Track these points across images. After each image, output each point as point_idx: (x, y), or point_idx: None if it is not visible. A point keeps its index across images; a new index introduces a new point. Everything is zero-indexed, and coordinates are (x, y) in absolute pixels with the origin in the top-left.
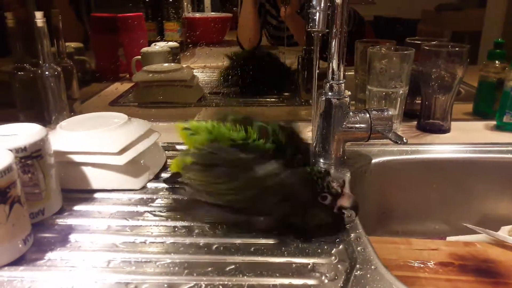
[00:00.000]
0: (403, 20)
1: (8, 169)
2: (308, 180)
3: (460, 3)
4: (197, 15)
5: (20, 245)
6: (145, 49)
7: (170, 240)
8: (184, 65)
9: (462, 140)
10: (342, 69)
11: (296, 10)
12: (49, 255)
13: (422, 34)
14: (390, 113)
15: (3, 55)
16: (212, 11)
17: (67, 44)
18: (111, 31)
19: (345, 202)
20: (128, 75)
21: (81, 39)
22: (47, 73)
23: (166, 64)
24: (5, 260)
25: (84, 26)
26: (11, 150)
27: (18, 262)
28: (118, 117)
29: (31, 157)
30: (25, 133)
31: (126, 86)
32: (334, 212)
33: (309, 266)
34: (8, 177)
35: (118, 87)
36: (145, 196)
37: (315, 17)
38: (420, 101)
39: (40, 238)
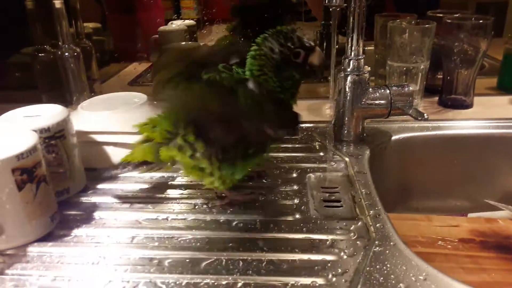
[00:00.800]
0: None
1: (33, 149)
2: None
3: None
4: None
5: (48, 222)
6: (162, 28)
7: (191, 216)
8: (201, 43)
9: (485, 116)
10: (361, 45)
11: None
12: (75, 231)
13: (445, 5)
14: (410, 88)
15: (24, 37)
16: None
17: (85, 24)
18: (128, 10)
19: (315, 59)
20: (145, 55)
21: (98, 20)
22: (66, 54)
23: (184, 43)
24: (34, 236)
25: (102, 6)
26: (35, 131)
27: (46, 238)
28: (138, 96)
29: (55, 137)
30: (48, 114)
31: (144, 65)
32: (305, 70)
33: (327, 242)
34: (33, 157)
35: (136, 67)
36: (166, 174)
37: None
38: (441, 76)
39: (66, 216)
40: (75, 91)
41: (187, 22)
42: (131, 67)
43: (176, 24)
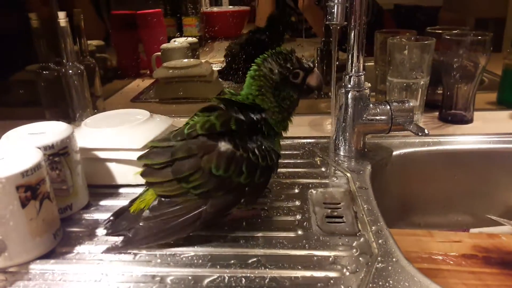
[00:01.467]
0: (424, 8)
1: (38, 166)
2: None
3: None
4: (215, 9)
5: (51, 239)
6: (164, 45)
7: (193, 233)
8: (203, 60)
9: (486, 131)
10: (361, 61)
11: (315, 2)
12: (78, 248)
13: (444, 21)
14: (411, 104)
15: (28, 55)
16: (230, 5)
17: (88, 42)
18: (131, 28)
19: (313, 80)
20: (148, 71)
21: (101, 37)
22: (70, 71)
23: (186, 60)
24: (37, 254)
25: (105, 23)
26: (39, 148)
27: (48, 255)
28: (141, 113)
29: (58, 154)
30: (52, 131)
31: (147, 82)
32: (303, 90)
33: (330, 259)
34: (37, 174)
35: (139, 84)
36: None
37: (333, 10)
38: (441, 91)
39: (68, 233)
40: (78, 107)
41: (190, 39)
42: (134, 84)
43: (179, 42)
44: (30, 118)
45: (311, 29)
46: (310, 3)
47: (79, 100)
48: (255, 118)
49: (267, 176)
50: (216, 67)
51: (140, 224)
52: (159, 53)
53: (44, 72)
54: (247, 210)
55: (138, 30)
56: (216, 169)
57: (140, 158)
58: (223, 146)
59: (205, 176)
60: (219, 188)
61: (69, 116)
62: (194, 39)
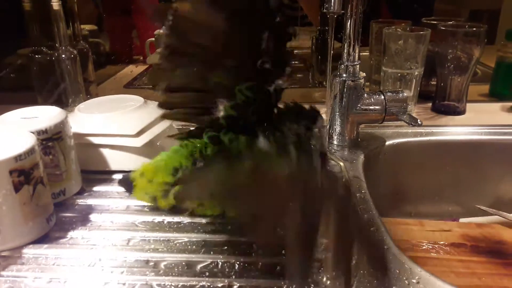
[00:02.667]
0: None
1: (31, 150)
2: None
3: None
4: None
5: (44, 224)
6: (159, 31)
7: (187, 220)
8: None
9: (477, 122)
10: (357, 51)
11: None
12: (71, 233)
13: (439, 12)
14: (405, 95)
15: (20, 38)
16: None
17: (81, 26)
18: (125, 13)
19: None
20: (142, 57)
21: (94, 21)
22: (63, 56)
23: None
24: (30, 238)
25: (98, 8)
26: (32, 132)
27: (42, 240)
28: (135, 99)
29: (52, 139)
30: (45, 115)
31: (141, 68)
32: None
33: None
34: (31, 158)
35: (133, 70)
36: None
37: None
38: (435, 82)
39: (61, 218)
40: (71, 93)
41: None
42: (127, 70)
43: None
44: (22, 102)
45: (306, 17)
46: None
47: (71, 85)
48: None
49: None
50: None
51: None
52: (153, 39)
53: (36, 56)
54: None
55: (132, 15)
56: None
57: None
58: None
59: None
60: None
61: (62, 101)
62: None
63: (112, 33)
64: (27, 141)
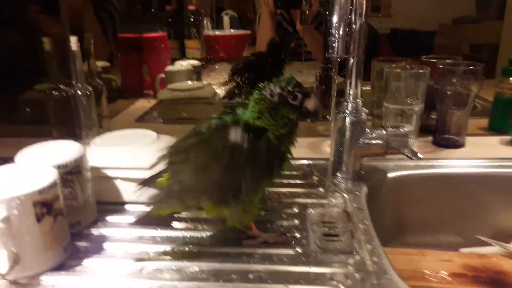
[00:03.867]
0: (420, 32)
1: (54, 184)
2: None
3: (478, 16)
4: (217, 33)
5: (62, 253)
6: (169, 68)
7: (196, 248)
8: (205, 82)
9: (477, 155)
10: (359, 88)
11: (314, 27)
12: (86, 262)
13: (439, 47)
14: (405, 130)
15: (37, 74)
16: (231, 29)
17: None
18: (136, 50)
19: (310, 104)
20: (152, 92)
21: (106, 58)
22: (79, 92)
23: (190, 82)
24: (48, 266)
25: (110, 45)
26: (54, 166)
27: (59, 268)
28: (148, 134)
29: (71, 173)
30: (65, 150)
31: (150, 102)
32: (301, 111)
33: (327, 275)
34: (53, 191)
35: (145, 105)
36: None
37: (334, 45)
38: (435, 117)
39: (77, 247)
40: (85, 127)
41: (193, 62)
42: (139, 104)
43: (183, 64)
44: (37, 135)
45: (310, 53)
46: (309, 28)
47: (86, 119)
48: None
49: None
50: (218, 89)
51: None
52: (163, 75)
53: (54, 92)
54: (277, 236)
55: (143, 53)
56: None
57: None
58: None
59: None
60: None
61: (76, 134)
62: (197, 62)
63: (123, 69)
64: (50, 175)
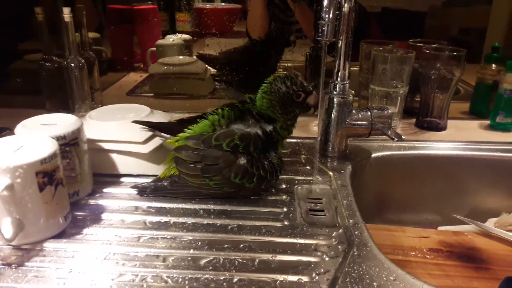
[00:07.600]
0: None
1: (54, 155)
2: None
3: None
4: (208, 5)
5: (62, 221)
6: (160, 41)
7: (191, 220)
8: (195, 55)
9: (457, 138)
10: (347, 70)
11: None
12: (86, 230)
13: (429, 29)
14: (390, 112)
15: (29, 44)
16: (222, 2)
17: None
18: (127, 22)
19: (312, 100)
20: (142, 65)
21: (94, 29)
22: (72, 64)
23: (181, 57)
24: (50, 234)
25: (99, 16)
26: (52, 138)
27: (60, 235)
28: (142, 109)
29: (69, 144)
30: (63, 123)
31: (142, 76)
32: (303, 106)
33: (312, 246)
34: (54, 162)
35: (136, 78)
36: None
37: (324, 28)
38: (419, 99)
39: (76, 216)
40: (78, 99)
41: (184, 36)
42: (129, 78)
43: (174, 39)
44: (30, 106)
45: (301, 30)
46: (301, 5)
47: (78, 91)
48: (268, 130)
49: (269, 185)
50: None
51: (164, 183)
52: (154, 48)
53: (46, 64)
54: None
55: (134, 25)
56: (234, 178)
57: (176, 150)
58: (242, 161)
59: (225, 179)
60: (232, 187)
61: (69, 107)
62: (188, 36)
63: (113, 41)
64: (51, 146)
